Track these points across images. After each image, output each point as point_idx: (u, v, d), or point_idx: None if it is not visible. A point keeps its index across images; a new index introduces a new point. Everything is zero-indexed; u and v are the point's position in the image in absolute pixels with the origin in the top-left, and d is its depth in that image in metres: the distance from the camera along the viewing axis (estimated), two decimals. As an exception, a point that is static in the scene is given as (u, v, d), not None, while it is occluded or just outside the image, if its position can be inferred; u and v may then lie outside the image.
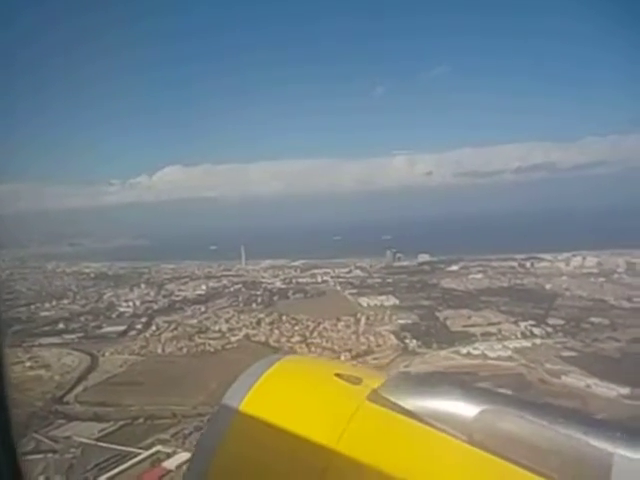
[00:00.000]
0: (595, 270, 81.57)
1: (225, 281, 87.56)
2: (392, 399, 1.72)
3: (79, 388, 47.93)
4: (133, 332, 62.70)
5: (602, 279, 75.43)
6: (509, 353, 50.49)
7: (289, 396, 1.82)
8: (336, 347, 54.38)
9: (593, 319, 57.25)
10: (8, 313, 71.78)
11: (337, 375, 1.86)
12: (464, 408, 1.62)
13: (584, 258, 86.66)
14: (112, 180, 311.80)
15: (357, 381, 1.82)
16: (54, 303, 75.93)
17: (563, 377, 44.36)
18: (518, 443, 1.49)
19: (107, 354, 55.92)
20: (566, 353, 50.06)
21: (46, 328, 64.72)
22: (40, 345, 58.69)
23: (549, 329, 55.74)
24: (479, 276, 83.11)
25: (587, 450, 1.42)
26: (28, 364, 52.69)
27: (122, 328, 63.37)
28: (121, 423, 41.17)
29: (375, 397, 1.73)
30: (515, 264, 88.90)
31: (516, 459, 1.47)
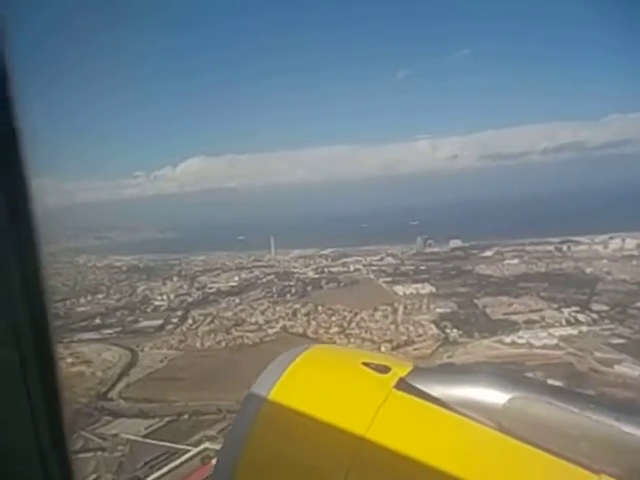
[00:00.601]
0: (635, 252, 79.14)
1: (257, 272, 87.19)
2: (420, 387, 1.71)
3: (122, 384, 48.10)
4: (170, 326, 62.75)
5: (644, 262, 73.34)
6: (555, 341, 48.98)
7: (317, 385, 1.81)
8: (376, 338, 53.60)
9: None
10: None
11: (364, 364, 1.82)
12: (493, 395, 1.60)
13: (623, 240, 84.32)
14: (136, 172, 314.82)
15: (385, 370, 1.79)
16: (89, 298, 76.36)
17: (616, 366, 43.04)
18: (548, 430, 1.49)
19: (146, 349, 56.04)
20: (615, 340, 48.48)
21: (83, 323, 65.08)
22: (79, 341, 58.98)
23: (594, 315, 54.08)
24: (515, 261, 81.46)
25: (619, 436, 1.41)
26: (69, 360, 52.91)
27: (159, 322, 63.47)
28: (167, 419, 41.08)
29: (403, 385, 1.72)
30: (551, 248, 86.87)
31: (546, 446, 1.47)
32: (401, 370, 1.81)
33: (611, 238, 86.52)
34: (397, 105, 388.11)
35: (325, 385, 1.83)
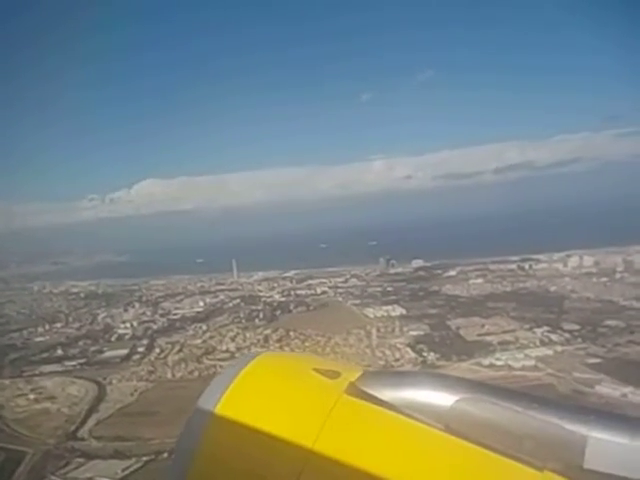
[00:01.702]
0: (594, 270, 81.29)
1: (222, 296, 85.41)
2: (370, 391, 1.71)
3: (92, 421, 45.14)
4: (136, 356, 60.18)
5: (604, 279, 75.02)
6: (533, 362, 49.03)
7: (267, 393, 1.73)
8: (353, 363, 52.49)
9: (608, 322, 56.39)
10: (2, 340, 69.19)
11: (315, 370, 1.80)
12: (440, 398, 1.63)
13: (581, 258, 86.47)
14: (91, 195, 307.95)
15: (335, 375, 1.77)
16: (47, 327, 73.24)
17: (597, 387, 43.19)
18: (494, 430, 1.54)
19: (114, 381, 53.25)
20: (591, 360, 48.82)
21: (44, 355, 61.99)
22: (41, 374, 56.06)
23: (566, 335, 54.52)
24: (479, 281, 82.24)
25: (562, 434, 1.48)
26: (32, 396, 50.18)
27: (124, 352, 60.88)
28: (144, 459, 38.32)
29: (353, 390, 1.71)
30: (514, 267, 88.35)
31: (493, 445, 1.51)
32: (351, 375, 1.77)
33: (568, 256, 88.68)
34: (352, 126, 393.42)
35: (275, 392, 1.72)
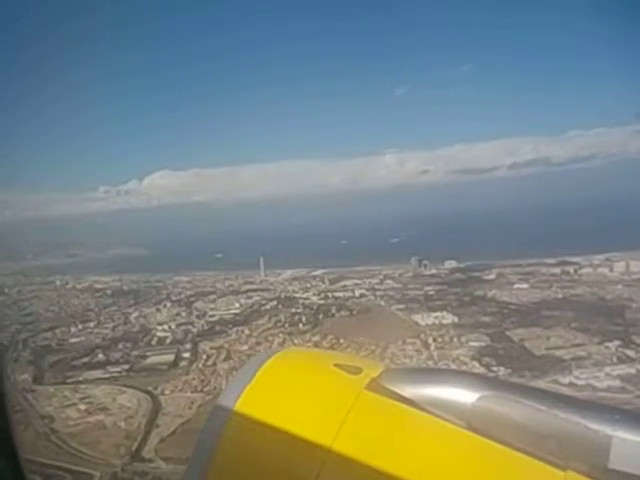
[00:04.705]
0: (644, 275, 77.91)
1: (256, 297, 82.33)
2: (391, 388, 1.73)
3: (154, 438, 41.89)
4: (183, 362, 57.09)
5: (660, 286, 71.73)
6: (618, 383, 45.97)
7: (288, 388, 1.76)
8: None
9: (684, 337, 53.36)
10: (35, 340, 66.09)
11: (336, 365, 1.84)
12: (462, 395, 1.63)
13: (627, 263, 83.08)
14: (104, 187, 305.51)
15: (357, 371, 1.81)
16: (80, 327, 70.21)
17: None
18: (516, 428, 1.54)
19: (167, 392, 50.06)
20: (680, 381, 45.91)
21: (85, 359, 58.97)
22: (86, 381, 53.08)
23: (642, 350, 51.44)
24: (525, 286, 78.81)
25: (585, 433, 1.47)
26: (83, 407, 47.19)
27: (169, 358, 57.80)
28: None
29: (374, 386, 1.74)
30: (557, 271, 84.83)
31: (515, 444, 1.52)
32: (372, 371, 1.80)
33: (608, 259, 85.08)
34: (363, 119, 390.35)
35: (296, 387, 1.75)
